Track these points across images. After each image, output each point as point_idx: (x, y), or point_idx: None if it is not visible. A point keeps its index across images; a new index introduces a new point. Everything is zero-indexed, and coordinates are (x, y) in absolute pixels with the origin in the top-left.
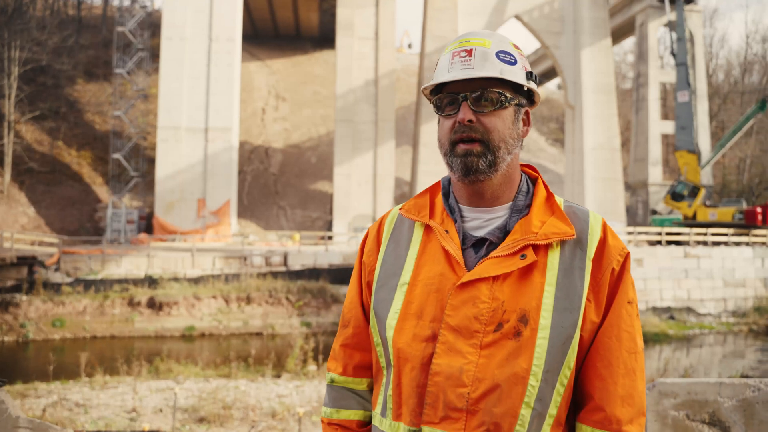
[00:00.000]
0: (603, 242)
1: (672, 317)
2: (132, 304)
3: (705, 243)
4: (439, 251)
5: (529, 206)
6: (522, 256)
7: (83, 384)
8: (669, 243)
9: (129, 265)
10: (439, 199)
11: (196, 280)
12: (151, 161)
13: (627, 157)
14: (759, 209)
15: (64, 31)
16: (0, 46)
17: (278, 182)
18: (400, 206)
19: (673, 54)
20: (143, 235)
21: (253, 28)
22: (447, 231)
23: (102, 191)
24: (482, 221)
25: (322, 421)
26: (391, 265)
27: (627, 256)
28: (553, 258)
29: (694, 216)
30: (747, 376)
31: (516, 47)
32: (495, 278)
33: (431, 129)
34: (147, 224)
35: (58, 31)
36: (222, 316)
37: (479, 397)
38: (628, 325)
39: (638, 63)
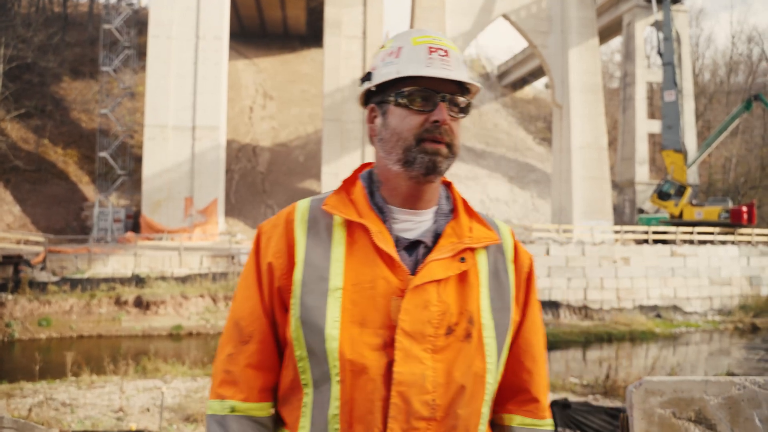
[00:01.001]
0: (516, 247)
1: (659, 315)
2: (119, 303)
3: (691, 242)
4: (370, 252)
5: (452, 211)
6: (461, 259)
7: (70, 384)
8: (656, 242)
9: (116, 264)
10: (360, 197)
11: (183, 279)
12: (138, 160)
13: (614, 156)
14: (744, 208)
15: (49, 28)
16: None
17: (266, 181)
18: (306, 203)
19: (659, 53)
20: (130, 234)
21: (241, 26)
22: (380, 231)
23: (88, 190)
24: (412, 224)
25: None
26: (316, 268)
27: (532, 260)
28: (482, 261)
29: (681, 215)
30: (733, 374)
31: None
32: (439, 281)
33: None
34: (134, 223)
35: (44, 29)
36: (209, 315)
37: (447, 402)
38: (540, 321)
39: (625, 62)
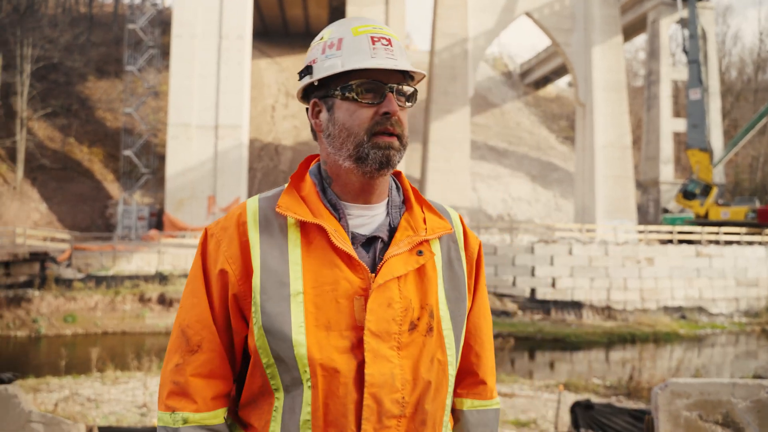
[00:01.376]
0: (465, 234)
1: (683, 317)
2: (143, 300)
3: (717, 242)
4: (328, 253)
5: (404, 202)
6: (419, 252)
7: (94, 379)
8: (680, 242)
9: (140, 261)
10: (311, 194)
11: None
12: (162, 158)
13: (638, 155)
14: None
15: (75, 28)
16: (12, 43)
17: (288, 179)
18: (254, 202)
19: (685, 51)
20: (154, 232)
21: (263, 25)
22: (335, 230)
23: (113, 188)
24: (366, 218)
25: None
26: (274, 273)
27: (480, 244)
28: (436, 251)
29: (706, 215)
30: (760, 377)
31: None
32: (400, 277)
33: (441, 126)
34: (157, 221)
35: (70, 29)
36: None
37: (415, 398)
38: (487, 305)
39: (650, 60)
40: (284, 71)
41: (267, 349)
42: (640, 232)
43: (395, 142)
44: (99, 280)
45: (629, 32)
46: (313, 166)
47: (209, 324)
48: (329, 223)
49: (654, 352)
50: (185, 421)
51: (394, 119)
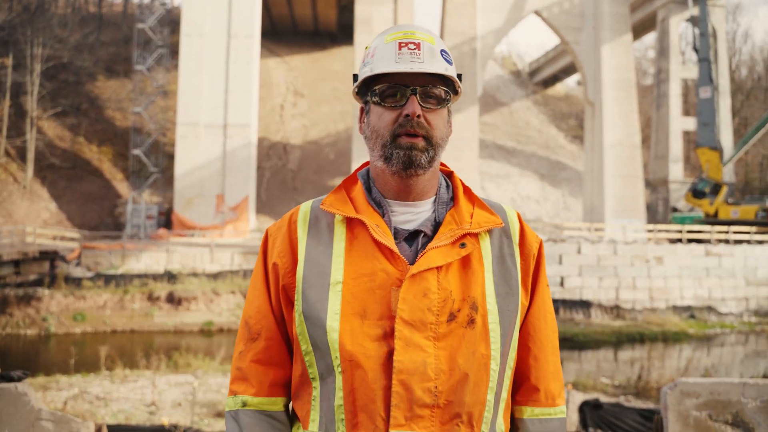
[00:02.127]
0: (523, 231)
1: (692, 316)
2: (151, 298)
3: (727, 241)
4: (370, 246)
5: (452, 199)
6: (462, 245)
7: (103, 377)
8: (690, 241)
9: (148, 260)
10: (358, 193)
11: (214, 276)
12: (171, 157)
13: (647, 154)
14: None
15: (85, 28)
16: (23, 43)
17: (296, 178)
18: (308, 204)
19: (695, 49)
20: (162, 231)
21: (272, 24)
22: (377, 225)
23: (122, 187)
24: (411, 215)
25: None
26: (317, 264)
27: (541, 243)
28: (486, 246)
29: (716, 214)
30: None
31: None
32: (439, 268)
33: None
34: (166, 220)
35: (80, 29)
36: (240, 312)
37: (449, 389)
38: (550, 306)
39: (659, 59)
40: (293, 70)
41: (306, 335)
42: (649, 231)
43: (419, 142)
44: (108, 279)
45: (639, 30)
46: (363, 169)
47: (268, 314)
48: (371, 219)
49: (663, 352)
50: (244, 404)
51: (415, 121)
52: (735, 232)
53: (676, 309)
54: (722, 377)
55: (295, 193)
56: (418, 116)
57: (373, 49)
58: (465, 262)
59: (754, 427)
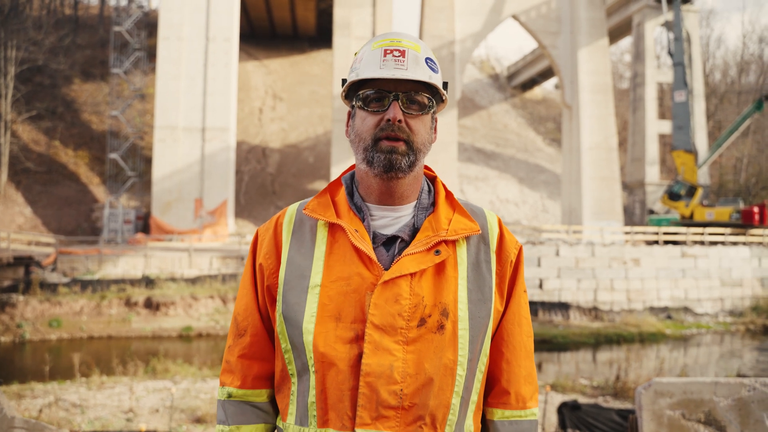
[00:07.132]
0: (501, 237)
1: (669, 317)
2: (129, 304)
3: (702, 243)
4: (349, 251)
5: (433, 204)
6: (436, 252)
7: (80, 384)
8: (666, 243)
9: (126, 265)
10: (342, 198)
11: (193, 280)
12: (148, 161)
13: (624, 157)
14: (756, 209)
15: (60, 30)
16: None
17: (275, 182)
18: (295, 206)
19: (670, 54)
20: (140, 235)
21: (251, 27)
22: (356, 230)
23: (99, 191)
24: (390, 219)
25: None
26: (297, 267)
27: (520, 249)
28: (462, 253)
29: (692, 216)
30: (743, 376)
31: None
32: (413, 275)
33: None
34: (144, 224)
35: (55, 31)
36: (219, 316)
37: (413, 392)
38: (525, 311)
39: (635, 63)
40: (271, 74)
41: (285, 335)
42: (627, 233)
43: (400, 146)
44: (84, 285)
45: (615, 35)
46: (348, 173)
47: (254, 312)
48: (351, 224)
49: (640, 352)
50: (230, 395)
51: (396, 126)
52: (710, 234)
53: (653, 310)
54: (696, 377)
55: (274, 197)
56: (399, 121)
57: (360, 55)
58: (439, 269)
59: (725, 426)
